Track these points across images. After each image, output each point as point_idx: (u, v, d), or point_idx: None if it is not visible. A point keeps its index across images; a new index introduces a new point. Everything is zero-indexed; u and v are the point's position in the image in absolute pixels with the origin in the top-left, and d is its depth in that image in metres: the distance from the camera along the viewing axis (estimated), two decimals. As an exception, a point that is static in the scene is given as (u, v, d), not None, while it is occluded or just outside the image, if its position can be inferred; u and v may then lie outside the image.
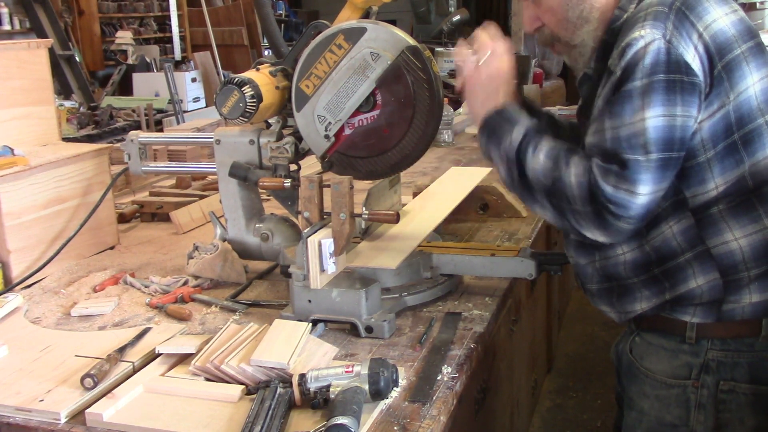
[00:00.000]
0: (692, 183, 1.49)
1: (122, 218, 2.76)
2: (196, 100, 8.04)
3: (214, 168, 2.17)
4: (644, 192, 1.42)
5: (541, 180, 1.52)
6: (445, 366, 1.60)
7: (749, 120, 1.47)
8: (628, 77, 1.42)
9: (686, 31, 1.43)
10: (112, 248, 2.52)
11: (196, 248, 2.16)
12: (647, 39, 1.42)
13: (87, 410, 1.46)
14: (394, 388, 1.49)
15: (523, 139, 1.55)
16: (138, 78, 8.08)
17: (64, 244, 2.28)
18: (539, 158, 1.52)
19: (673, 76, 1.40)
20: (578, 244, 1.67)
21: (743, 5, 8.67)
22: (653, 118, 1.40)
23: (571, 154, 1.51)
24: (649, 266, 1.56)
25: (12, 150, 2.22)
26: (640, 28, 1.44)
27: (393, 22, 1.98)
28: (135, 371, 1.61)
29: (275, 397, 1.42)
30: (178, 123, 6.33)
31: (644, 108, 1.41)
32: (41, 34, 7.58)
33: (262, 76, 2.00)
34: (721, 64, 1.45)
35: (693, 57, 1.42)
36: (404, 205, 2.28)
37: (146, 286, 2.11)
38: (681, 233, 1.52)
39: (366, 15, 2.04)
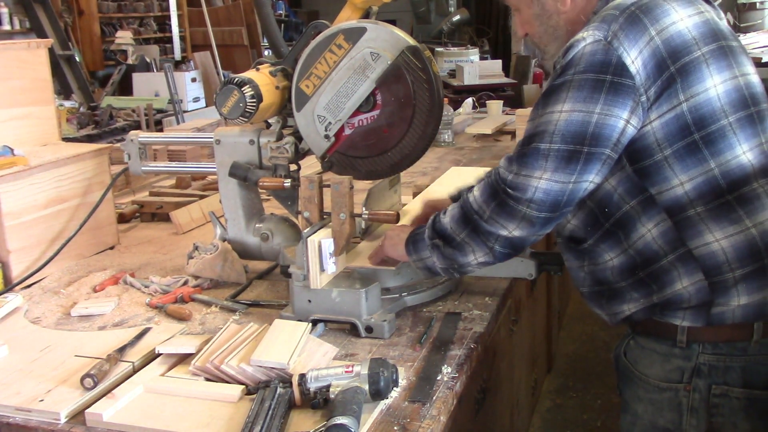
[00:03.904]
0: (655, 180, 1.50)
1: (122, 218, 2.75)
2: (196, 100, 8.03)
3: (214, 168, 2.17)
4: (542, 177, 1.45)
5: (454, 221, 1.60)
6: (445, 366, 1.60)
7: (712, 121, 1.48)
8: (562, 73, 1.47)
9: (634, 33, 1.45)
10: (112, 248, 2.51)
11: (196, 248, 2.16)
12: (588, 40, 1.46)
13: (87, 410, 1.46)
14: (394, 388, 1.49)
15: (433, 220, 1.67)
16: (138, 78, 8.06)
17: (64, 244, 2.28)
18: (447, 210, 1.64)
19: (603, 76, 1.44)
20: (568, 248, 1.69)
21: (743, 5, 8.65)
22: (569, 112, 1.45)
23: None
24: (634, 269, 1.57)
25: (12, 150, 2.22)
26: (586, 30, 1.49)
27: (393, 22, 1.98)
28: (135, 371, 1.61)
29: (275, 397, 1.42)
30: (178, 123, 6.32)
31: (566, 101, 1.45)
32: (41, 34, 7.57)
33: (262, 76, 2.00)
34: (675, 67, 1.46)
35: (634, 59, 1.44)
36: (404, 205, 2.27)
37: (146, 286, 2.11)
38: (661, 236, 1.52)
39: (366, 15, 2.04)
